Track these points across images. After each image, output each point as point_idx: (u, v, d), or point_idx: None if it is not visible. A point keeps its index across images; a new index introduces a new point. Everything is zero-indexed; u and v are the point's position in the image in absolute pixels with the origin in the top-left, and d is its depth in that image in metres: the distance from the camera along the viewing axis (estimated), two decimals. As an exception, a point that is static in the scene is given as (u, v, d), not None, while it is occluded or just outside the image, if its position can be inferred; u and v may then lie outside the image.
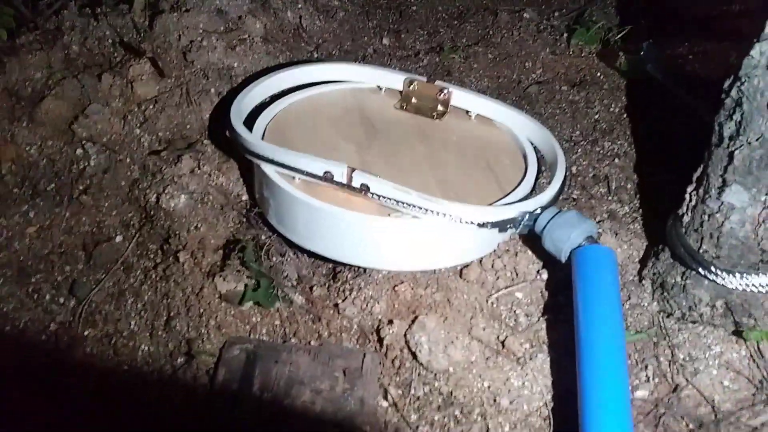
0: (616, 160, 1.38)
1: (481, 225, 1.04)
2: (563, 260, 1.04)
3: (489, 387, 1.01)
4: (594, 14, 1.71)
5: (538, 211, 1.07)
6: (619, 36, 1.64)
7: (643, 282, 1.10)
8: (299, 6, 1.69)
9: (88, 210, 1.30)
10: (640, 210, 1.26)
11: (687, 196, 0.99)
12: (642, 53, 1.53)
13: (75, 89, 1.42)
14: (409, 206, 1.03)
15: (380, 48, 1.71)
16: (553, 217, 1.05)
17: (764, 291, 0.93)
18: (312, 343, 1.10)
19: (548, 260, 1.09)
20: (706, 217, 0.95)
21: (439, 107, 1.29)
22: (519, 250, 1.12)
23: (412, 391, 1.03)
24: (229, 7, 1.57)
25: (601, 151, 1.40)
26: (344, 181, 1.07)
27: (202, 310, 1.12)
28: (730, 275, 0.94)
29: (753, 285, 0.93)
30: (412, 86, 1.31)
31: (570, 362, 0.94)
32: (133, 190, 1.31)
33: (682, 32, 1.61)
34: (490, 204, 1.09)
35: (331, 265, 1.18)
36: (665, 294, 1.05)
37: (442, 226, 1.05)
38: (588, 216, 1.10)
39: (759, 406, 0.92)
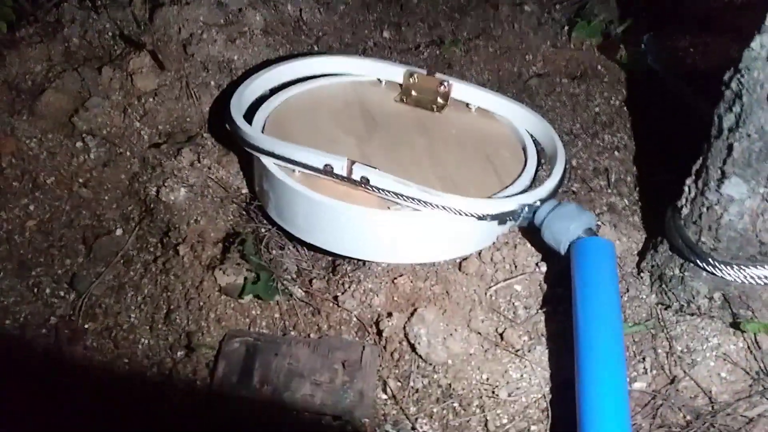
0: (616, 153, 1.37)
1: (481, 217, 1.04)
2: (562, 252, 1.04)
3: (488, 379, 1.01)
4: (595, 7, 1.70)
5: (538, 203, 1.07)
6: (620, 29, 1.63)
7: (642, 274, 1.10)
8: (299, -2, 1.69)
9: (88, 203, 1.31)
10: (640, 203, 1.26)
11: (686, 189, 0.99)
12: (642, 46, 1.53)
13: (75, 82, 1.42)
14: (409, 199, 1.04)
15: (381, 41, 1.70)
16: (553, 209, 1.05)
17: (762, 283, 0.94)
18: (311, 335, 1.10)
19: (547, 253, 1.10)
20: (705, 210, 0.95)
21: (439, 100, 1.29)
22: (518, 242, 1.12)
23: (411, 384, 1.03)
24: (229, 0, 1.57)
25: (601, 144, 1.40)
26: (344, 173, 1.07)
27: (202, 303, 1.12)
28: (729, 267, 0.94)
29: (751, 277, 0.93)
30: (412, 79, 1.30)
31: (568, 354, 0.94)
32: (133, 183, 1.31)
33: (683, 25, 1.60)
34: (490, 197, 1.09)
35: (330, 258, 1.18)
36: (663, 286, 1.05)
37: (441, 219, 1.05)
38: (587, 209, 1.09)
39: (755, 397, 0.92)
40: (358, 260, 1.13)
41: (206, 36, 1.47)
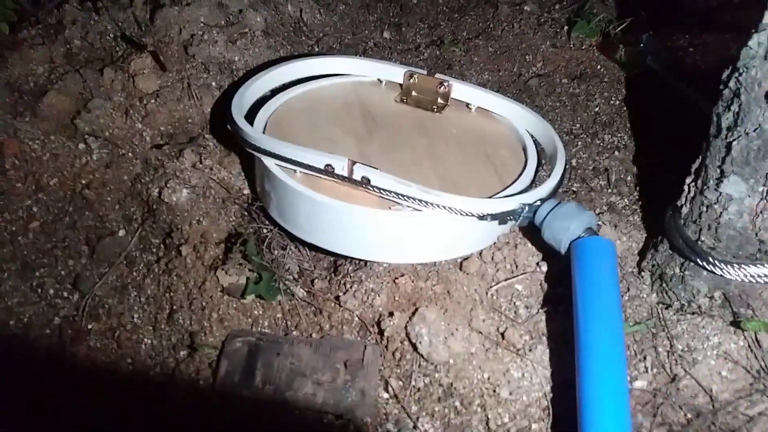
0: (616, 153, 1.38)
1: (482, 217, 1.05)
2: (563, 251, 1.04)
3: (489, 378, 1.01)
4: (594, 6, 1.71)
5: (538, 203, 1.07)
6: (619, 28, 1.63)
7: (642, 274, 1.10)
8: (300, -1, 1.70)
9: (90, 204, 1.31)
10: (640, 202, 1.26)
11: (685, 188, 0.99)
12: (642, 45, 1.53)
13: (77, 84, 1.42)
14: (410, 199, 1.04)
15: (381, 41, 1.71)
16: (553, 208, 1.05)
17: (762, 281, 0.94)
18: (313, 335, 1.11)
19: (548, 252, 1.10)
20: (705, 209, 0.95)
21: (440, 100, 1.30)
22: (519, 242, 1.12)
23: (413, 383, 1.04)
24: (229, 1, 1.57)
25: (601, 144, 1.41)
26: (345, 174, 1.08)
27: (204, 304, 1.13)
28: (728, 266, 0.95)
29: (751, 276, 0.94)
30: (412, 79, 1.31)
31: (569, 353, 0.95)
32: (135, 185, 1.31)
33: (683, 24, 1.61)
34: (491, 196, 1.10)
35: (332, 258, 1.19)
36: (664, 285, 1.05)
37: (442, 219, 1.05)
38: (588, 208, 1.10)
39: (756, 395, 0.93)
40: (360, 260, 1.13)
41: (207, 37, 1.47)
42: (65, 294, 1.23)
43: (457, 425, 1.00)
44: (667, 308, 1.05)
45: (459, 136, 1.24)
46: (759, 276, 0.94)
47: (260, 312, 1.13)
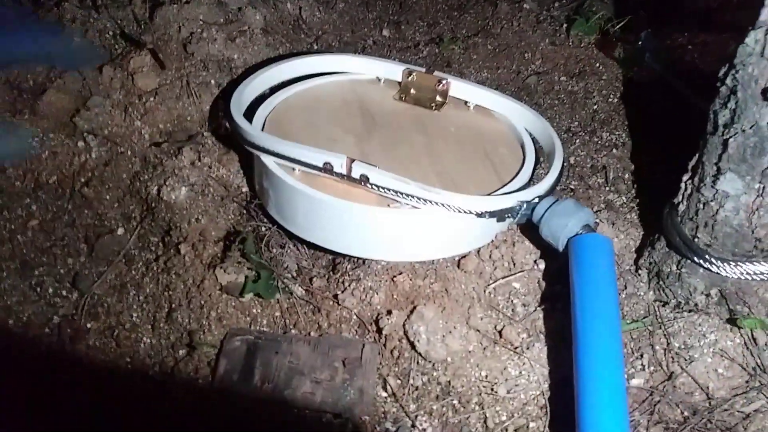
0: (614, 151, 1.38)
1: (480, 215, 1.05)
2: (561, 249, 1.04)
3: (486, 376, 1.01)
4: (594, 4, 1.71)
5: (536, 200, 1.07)
6: (618, 26, 1.63)
7: (640, 271, 1.10)
8: (299, -3, 1.70)
9: (89, 203, 1.31)
10: (637, 200, 1.26)
11: (682, 185, 1.00)
12: (640, 43, 1.53)
13: (76, 82, 1.42)
14: (409, 197, 1.04)
15: (380, 39, 1.71)
16: (551, 206, 1.05)
17: (758, 279, 0.94)
18: (312, 333, 1.11)
19: (545, 250, 1.10)
20: (701, 206, 0.96)
21: (438, 98, 1.30)
22: (516, 240, 1.12)
23: (411, 381, 1.04)
24: (228, -1, 1.58)
25: (599, 142, 1.41)
26: (344, 172, 1.08)
27: (203, 302, 1.13)
28: (725, 263, 0.95)
29: (747, 273, 0.94)
30: (410, 77, 1.31)
31: (567, 351, 0.95)
32: (134, 183, 1.31)
33: (683, 23, 1.60)
34: (489, 194, 1.10)
35: (330, 256, 1.19)
36: (661, 283, 1.06)
37: (440, 217, 1.05)
38: (585, 206, 1.10)
39: (752, 393, 0.93)
40: (358, 258, 1.13)
41: (206, 35, 1.47)
42: (64, 293, 1.23)
43: (455, 423, 1.00)
44: (663, 306, 1.05)
45: (457, 133, 1.24)
46: (755, 273, 0.94)
47: (259, 310, 1.13)
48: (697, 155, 0.97)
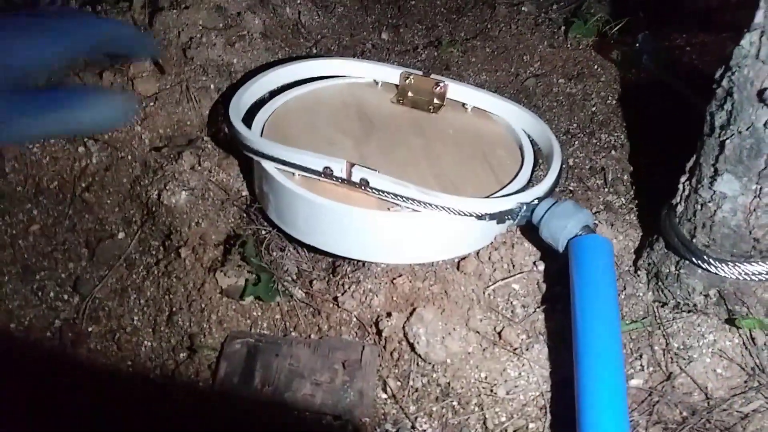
0: (613, 152, 1.38)
1: (480, 217, 1.05)
2: (560, 250, 1.05)
3: (486, 378, 1.02)
4: (592, 6, 1.71)
5: (535, 202, 1.07)
6: (616, 28, 1.64)
7: (639, 272, 1.10)
8: (298, 1, 1.70)
9: (90, 207, 1.32)
10: (636, 201, 1.26)
11: (680, 186, 1.00)
12: (638, 45, 1.54)
13: (76, 88, 1.43)
14: (408, 200, 1.04)
15: (379, 43, 1.72)
16: (550, 207, 1.06)
17: (756, 279, 0.94)
18: (312, 336, 1.11)
19: (545, 251, 1.10)
20: (699, 207, 0.96)
21: (436, 101, 1.30)
22: (515, 241, 1.13)
23: (411, 383, 1.04)
24: (228, 4, 1.58)
25: (598, 143, 1.41)
26: (344, 176, 1.08)
27: (203, 305, 1.14)
28: (723, 264, 0.95)
29: (745, 273, 0.94)
30: (408, 80, 1.31)
31: (566, 352, 0.95)
32: (134, 187, 1.32)
33: (681, 24, 1.61)
34: (488, 196, 1.10)
35: (330, 259, 1.19)
36: (660, 284, 1.06)
37: (440, 219, 1.06)
38: (584, 207, 1.10)
39: (751, 393, 0.93)
40: (358, 261, 1.14)
41: (205, 40, 1.48)
42: (65, 297, 1.23)
43: (454, 425, 1.00)
44: (662, 306, 1.06)
45: (455, 136, 1.24)
46: (753, 273, 0.94)
47: (259, 313, 1.14)
48: (694, 157, 0.97)
